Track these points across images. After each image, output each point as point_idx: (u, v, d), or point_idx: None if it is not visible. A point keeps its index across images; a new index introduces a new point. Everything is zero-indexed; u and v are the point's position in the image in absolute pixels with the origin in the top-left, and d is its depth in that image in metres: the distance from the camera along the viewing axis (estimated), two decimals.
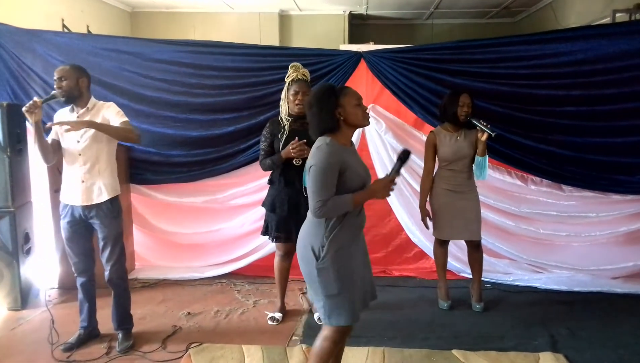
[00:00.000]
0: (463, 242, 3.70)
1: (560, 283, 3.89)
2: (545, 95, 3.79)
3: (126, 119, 2.95)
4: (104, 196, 2.88)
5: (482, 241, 3.61)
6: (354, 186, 2.13)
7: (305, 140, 3.06)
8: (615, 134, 3.76)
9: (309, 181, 2.10)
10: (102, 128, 2.83)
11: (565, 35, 3.90)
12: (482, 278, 3.63)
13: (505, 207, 3.97)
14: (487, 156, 3.41)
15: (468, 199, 3.45)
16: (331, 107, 2.13)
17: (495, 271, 4.06)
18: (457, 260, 4.03)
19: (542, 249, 4.06)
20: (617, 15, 6.00)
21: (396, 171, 2.20)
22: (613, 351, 2.94)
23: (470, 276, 3.69)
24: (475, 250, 3.55)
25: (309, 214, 2.18)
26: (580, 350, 2.95)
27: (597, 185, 3.84)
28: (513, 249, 4.06)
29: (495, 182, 3.96)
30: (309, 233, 2.19)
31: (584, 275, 3.94)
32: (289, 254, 3.37)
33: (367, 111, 2.22)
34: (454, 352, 2.91)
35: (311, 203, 2.08)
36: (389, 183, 2.16)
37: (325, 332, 2.21)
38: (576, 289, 3.83)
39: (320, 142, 2.15)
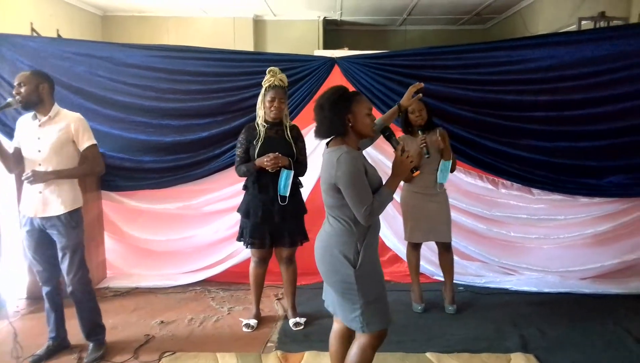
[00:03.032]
0: (435, 245, 3.75)
1: (531, 285, 3.97)
2: (514, 100, 3.88)
3: (94, 142, 2.87)
4: (62, 209, 2.79)
5: (455, 244, 3.66)
6: (375, 187, 2.12)
7: (278, 153, 3.08)
8: (583, 138, 3.86)
9: (346, 196, 2.06)
10: (66, 175, 2.79)
11: (533, 42, 4.00)
12: (455, 281, 3.69)
13: (477, 210, 4.04)
14: (449, 162, 3.45)
15: (436, 202, 3.50)
16: (344, 111, 2.10)
17: (468, 273, 4.13)
18: (430, 263, 4.08)
19: (513, 251, 4.14)
20: (583, 22, 6.19)
21: (396, 144, 2.22)
22: (581, 350, 3.02)
23: (443, 279, 3.73)
24: (445, 252, 3.60)
25: (329, 223, 2.17)
26: (550, 350, 3.02)
27: (565, 188, 3.93)
28: (485, 251, 4.13)
29: (466, 186, 4.03)
30: (337, 242, 2.13)
31: (553, 277, 4.03)
32: (264, 260, 3.35)
33: (374, 120, 2.20)
34: (428, 354, 2.94)
35: (358, 213, 2.05)
36: (400, 158, 2.13)
37: (363, 340, 2.17)
38: (546, 290, 3.92)
39: (338, 153, 2.09)
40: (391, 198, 2.12)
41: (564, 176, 3.89)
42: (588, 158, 3.86)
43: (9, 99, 2.78)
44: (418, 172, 2.16)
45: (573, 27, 6.26)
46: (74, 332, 3.07)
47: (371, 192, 2.07)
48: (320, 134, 2.18)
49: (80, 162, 2.87)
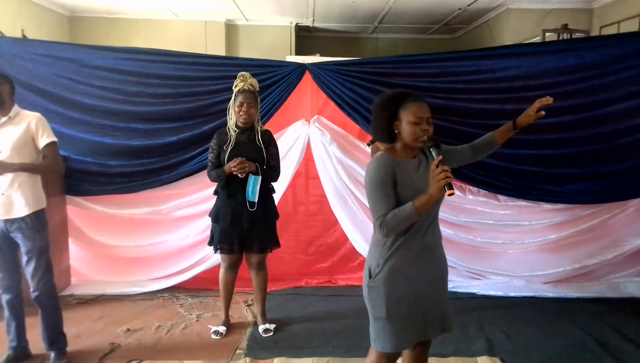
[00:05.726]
0: None
1: (497, 289, 4.06)
2: (481, 109, 3.96)
3: (54, 139, 2.84)
4: (25, 210, 2.74)
5: None
6: (409, 200, 1.94)
7: (245, 158, 3.07)
8: (546, 146, 3.97)
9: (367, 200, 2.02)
10: (29, 168, 2.75)
11: (500, 52, 4.12)
12: None
13: (445, 216, 4.09)
14: None
15: None
16: (387, 118, 2.01)
17: None
18: None
19: (480, 256, 4.22)
20: (547, 34, 6.41)
21: (436, 156, 1.95)
22: (544, 353, 3.09)
23: None
24: None
25: (373, 231, 2.09)
26: (515, 353, 3.08)
27: (529, 195, 4.03)
28: (452, 257, 4.19)
29: None
30: (370, 251, 2.11)
31: (519, 281, 4.12)
32: (234, 266, 3.33)
33: (426, 130, 2.00)
34: None
35: (374, 223, 2.00)
36: (433, 172, 1.89)
37: (371, 356, 2.14)
38: (511, 294, 4.01)
39: (374, 157, 2.07)
40: (411, 217, 1.92)
41: (528, 183, 3.99)
42: (551, 165, 3.97)
43: None
44: (453, 191, 1.86)
45: (537, 39, 6.47)
46: (35, 340, 2.98)
47: (391, 204, 1.95)
48: (372, 135, 2.12)
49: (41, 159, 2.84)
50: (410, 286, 2.02)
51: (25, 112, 2.83)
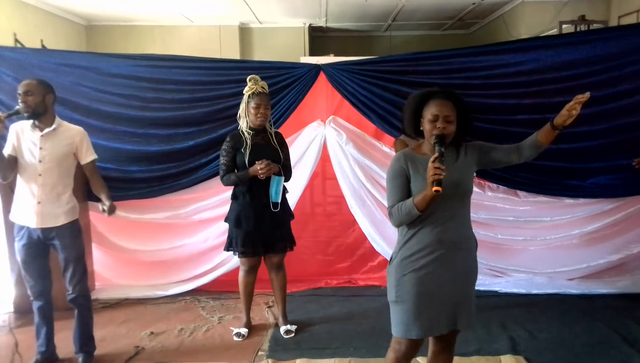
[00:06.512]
0: None
1: (519, 287, 4.01)
2: (498, 104, 3.91)
3: (96, 156, 2.97)
4: (63, 220, 2.82)
5: None
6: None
7: (268, 160, 3.09)
8: (566, 141, 3.88)
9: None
10: (109, 196, 2.93)
11: (516, 46, 4.05)
12: None
13: None
14: None
15: None
16: (412, 115, 2.11)
17: None
18: None
19: (501, 254, 4.17)
20: (564, 26, 6.31)
21: (437, 151, 1.96)
22: (569, 350, 3.05)
23: None
24: None
25: None
26: (539, 351, 3.04)
27: (550, 190, 3.97)
28: None
29: None
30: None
31: (541, 278, 4.07)
32: (254, 268, 3.34)
33: (442, 128, 2.01)
34: (419, 358, 2.94)
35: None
36: (428, 166, 1.91)
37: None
38: (534, 291, 3.96)
39: None
40: (413, 212, 1.98)
41: (549, 178, 3.93)
42: (571, 160, 3.90)
43: (17, 107, 2.77)
44: (439, 189, 1.88)
45: (554, 31, 6.38)
46: (61, 345, 3.04)
47: (400, 197, 2.06)
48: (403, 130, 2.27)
49: (86, 175, 3.00)
50: (422, 276, 2.07)
51: (67, 124, 2.91)
